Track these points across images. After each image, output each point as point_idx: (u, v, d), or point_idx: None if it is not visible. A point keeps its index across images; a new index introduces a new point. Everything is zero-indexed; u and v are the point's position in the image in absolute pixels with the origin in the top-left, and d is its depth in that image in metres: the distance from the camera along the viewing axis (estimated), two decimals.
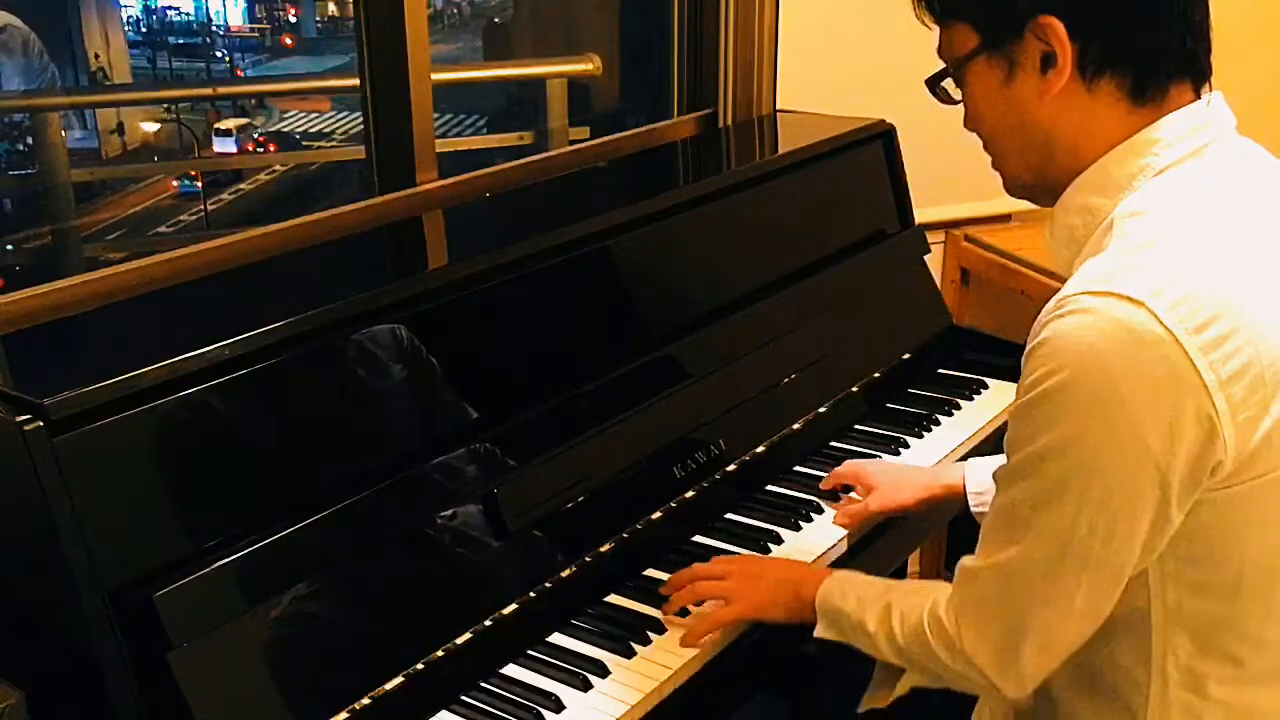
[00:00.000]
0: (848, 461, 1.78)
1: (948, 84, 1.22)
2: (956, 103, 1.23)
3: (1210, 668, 1.14)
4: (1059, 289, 1.10)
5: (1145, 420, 1.02)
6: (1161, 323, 1.01)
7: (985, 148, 1.24)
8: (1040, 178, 1.20)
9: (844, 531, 1.67)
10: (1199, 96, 1.15)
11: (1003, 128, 1.19)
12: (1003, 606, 1.16)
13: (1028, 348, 1.09)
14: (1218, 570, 1.11)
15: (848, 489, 1.75)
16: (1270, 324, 1.05)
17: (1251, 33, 2.69)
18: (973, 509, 1.60)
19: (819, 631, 1.39)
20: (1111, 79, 1.12)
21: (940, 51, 1.22)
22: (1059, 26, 1.11)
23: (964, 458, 1.90)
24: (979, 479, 1.60)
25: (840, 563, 1.65)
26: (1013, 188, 1.25)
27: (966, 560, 1.21)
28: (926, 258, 2.27)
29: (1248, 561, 1.10)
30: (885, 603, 1.30)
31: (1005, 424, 1.16)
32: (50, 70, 3.49)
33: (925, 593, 1.26)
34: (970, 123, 1.23)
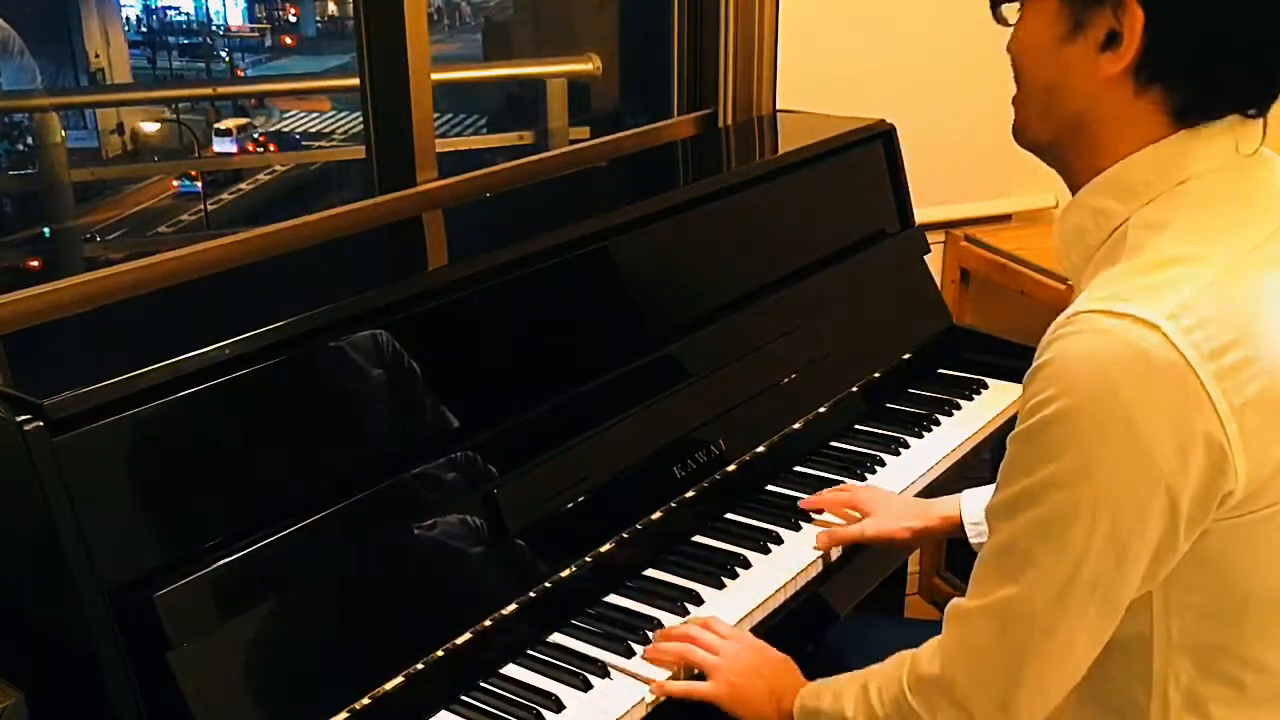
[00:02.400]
0: (839, 489, 1.74)
1: (1010, 8, 1.15)
2: (1008, 24, 1.15)
3: (1212, 691, 1.12)
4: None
5: (1157, 443, 0.99)
6: (1176, 348, 0.98)
7: (1016, 82, 1.17)
8: (1054, 146, 1.15)
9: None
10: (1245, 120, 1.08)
11: (1040, 83, 1.13)
12: (1000, 647, 1.10)
13: (1034, 363, 1.05)
14: (1223, 598, 1.09)
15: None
16: None
17: None
18: (971, 540, 1.57)
19: None
20: (1162, 90, 1.07)
21: None
22: (1138, 16, 1.03)
23: (964, 458, 1.91)
24: (975, 509, 1.56)
25: (839, 564, 1.65)
26: (1022, 139, 1.18)
27: (957, 602, 1.15)
28: (926, 258, 2.27)
29: (1254, 590, 1.08)
30: (861, 684, 1.25)
31: (1005, 424, 1.14)
32: (33, 70, 3.46)
33: (900, 662, 1.22)
34: (1013, 52, 1.15)
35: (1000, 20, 1.16)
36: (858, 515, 1.68)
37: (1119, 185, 1.10)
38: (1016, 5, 1.14)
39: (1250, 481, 1.02)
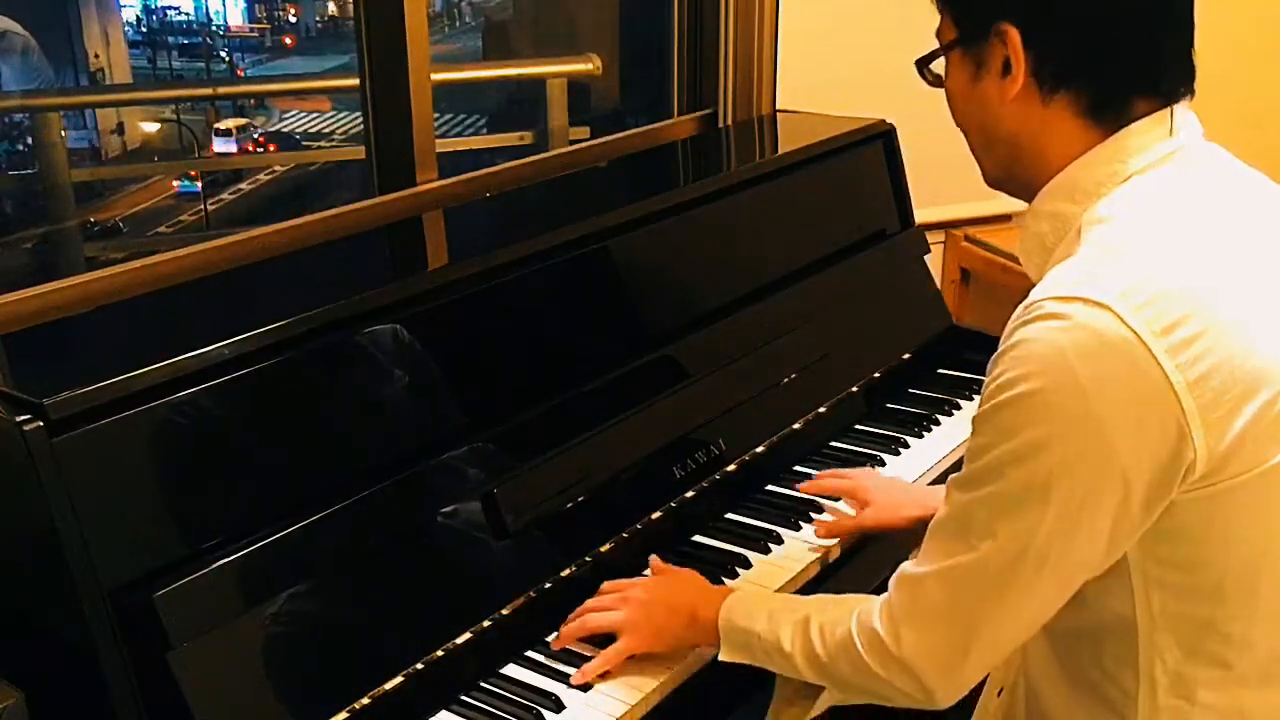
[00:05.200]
0: (839, 473, 1.74)
1: (939, 68, 1.24)
2: (940, 86, 1.24)
3: (1198, 672, 1.13)
4: None
5: (1111, 423, 1.02)
6: (1128, 325, 1.02)
7: (964, 135, 1.25)
8: (1011, 175, 1.22)
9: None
10: (1166, 106, 1.14)
11: (972, 123, 1.22)
12: (952, 612, 1.13)
13: (996, 352, 1.09)
14: (1200, 573, 1.10)
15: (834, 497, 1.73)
16: (1240, 325, 1.05)
17: (1233, 47, 2.69)
18: None
19: (724, 655, 1.33)
20: (1067, 94, 1.13)
21: (937, 34, 1.23)
22: (1015, 36, 1.12)
23: (963, 458, 1.90)
24: None
25: (839, 563, 1.65)
26: (989, 180, 1.26)
27: (909, 566, 1.18)
28: (926, 258, 2.27)
29: (1229, 563, 1.10)
30: (802, 616, 1.26)
31: None
32: (48, 76, 3.49)
33: (847, 604, 1.24)
34: (950, 108, 1.24)
35: (934, 83, 1.24)
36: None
37: (1071, 188, 1.15)
38: (941, 61, 1.22)
39: (1211, 454, 1.04)
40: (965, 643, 1.13)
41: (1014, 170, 1.20)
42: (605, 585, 1.48)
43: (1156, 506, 1.07)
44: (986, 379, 1.10)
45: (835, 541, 1.65)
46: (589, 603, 1.45)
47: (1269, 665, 1.14)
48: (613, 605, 1.42)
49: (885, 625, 1.17)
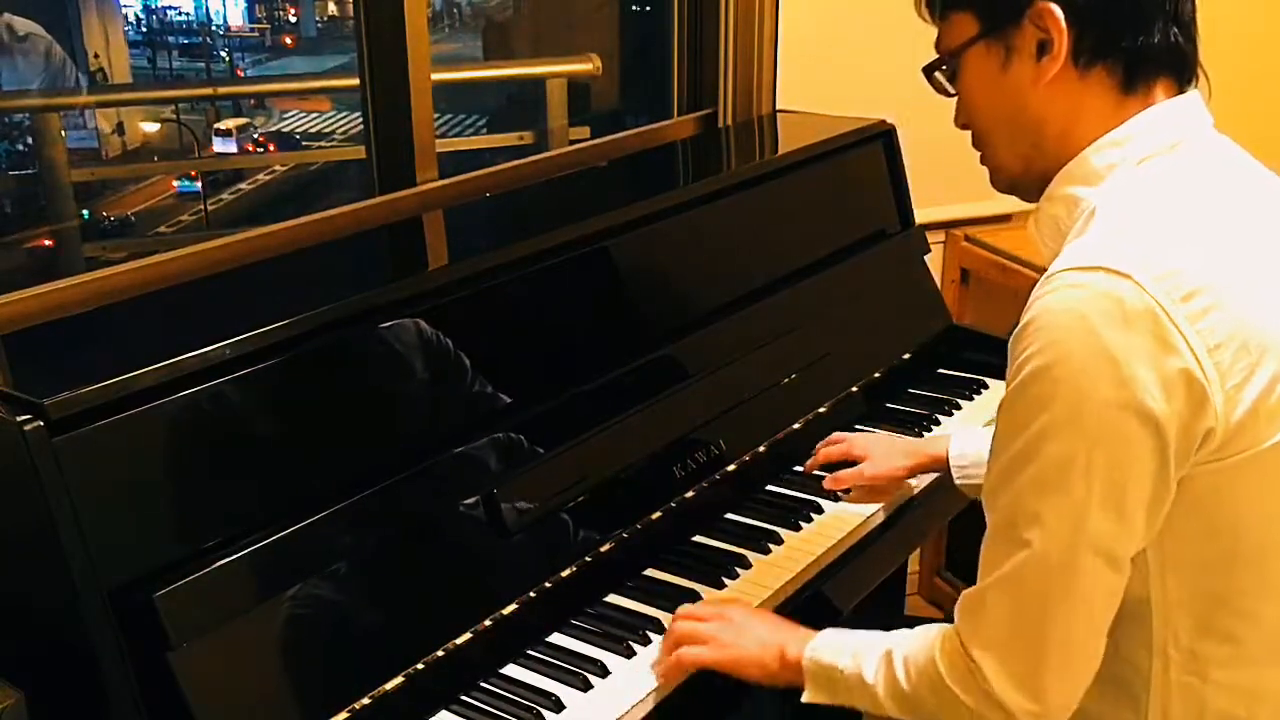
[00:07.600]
0: (835, 435, 1.81)
1: (943, 77, 1.25)
2: (951, 94, 1.25)
3: (1210, 649, 1.15)
4: None
5: (1139, 381, 1.03)
6: (1148, 292, 1.04)
7: (975, 142, 1.26)
8: (1029, 168, 1.23)
9: (842, 533, 1.67)
10: (1182, 92, 1.18)
11: (996, 116, 1.22)
12: (1019, 621, 1.12)
13: (1017, 327, 1.10)
14: (1212, 547, 1.12)
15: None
16: (1249, 299, 1.07)
17: (1235, 36, 2.69)
18: (955, 479, 1.63)
19: (808, 696, 1.31)
20: (1103, 68, 1.15)
21: (938, 45, 1.25)
22: (1057, 13, 1.14)
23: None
24: (961, 448, 1.63)
25: (838, 565, 1.65)
26: (1000, 181, 1.27)
27: (969, 591, 1.17)
28: (926, 258, 2.27)
29: (1241, 536, 1.11)
30: (884, 650, 1.24)
31: None
32: (74, 76, 3.49)
33: (928, 633, 1.22)
34: (962, 115, 1.26)
35: (943, 91, 1.26)
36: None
37: (1084, 171, 1.18)
38: (950, 69, 1.23)
39: (1228, 421, 1.06)
40: (1038, 651, 1.11)
41: (1034, 161, 1.21)
42: (691, 608, 1.45)
43: (1179, 472, 1.08)
44: (1010, 359, 1.11)
45: (842, 535, 1.66)
46: (680, 626, 1.41)
47: (1277, 641, 1.15)
48: (704, 616, 1.41)
49: (962, 650, 1.16)
